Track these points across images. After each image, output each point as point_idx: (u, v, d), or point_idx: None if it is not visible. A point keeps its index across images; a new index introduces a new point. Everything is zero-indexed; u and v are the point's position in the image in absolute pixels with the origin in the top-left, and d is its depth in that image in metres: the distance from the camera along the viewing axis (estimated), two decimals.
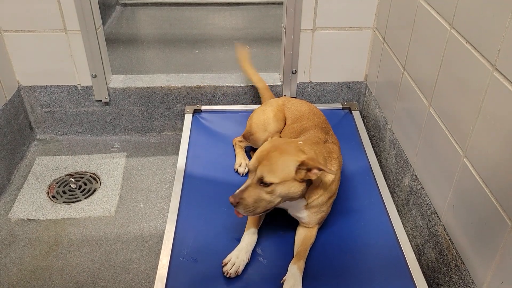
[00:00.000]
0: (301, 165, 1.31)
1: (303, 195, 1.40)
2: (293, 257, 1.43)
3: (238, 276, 1.40)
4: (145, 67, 2.82)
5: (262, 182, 1.30)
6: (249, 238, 1.47)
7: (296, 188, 1.33)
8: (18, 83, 2.22)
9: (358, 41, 2.16)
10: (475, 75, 1.26)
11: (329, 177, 1.45)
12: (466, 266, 1.32)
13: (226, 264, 1.41)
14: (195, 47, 3.04)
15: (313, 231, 1.50)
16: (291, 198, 1.36)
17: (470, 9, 1.29)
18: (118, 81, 2.28)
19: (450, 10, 1.39)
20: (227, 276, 1.39)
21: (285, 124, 1.81)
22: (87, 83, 2.22)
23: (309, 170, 1.32)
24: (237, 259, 1.41)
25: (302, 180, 1.33)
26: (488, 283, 1.21)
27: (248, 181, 1.33)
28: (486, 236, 1.22)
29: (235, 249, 1.44)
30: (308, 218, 1.48)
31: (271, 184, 1.29)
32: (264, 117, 1.82)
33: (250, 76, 2.18)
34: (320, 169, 1.31)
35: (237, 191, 1.32)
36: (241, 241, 1.47)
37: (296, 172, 1.31)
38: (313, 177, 1.34)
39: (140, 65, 2.84)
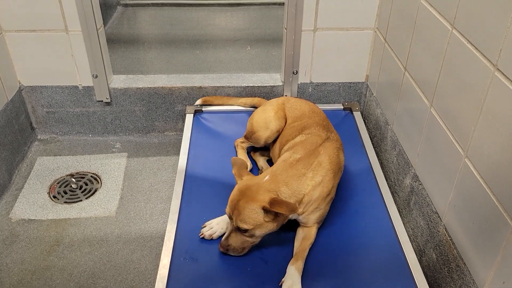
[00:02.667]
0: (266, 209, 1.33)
1: (284, 222, 1.42)
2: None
3: (238, 276, 1.40)
4: (146, 67, 2.82)
5: (240, 229, 1.37)
6: None
7: (272, 225, 1.38)
8: (19, 83, 2.22)
9: (359, 42, 2.16)
10: (477, 75, 1.26)
11: (312, 182, 1.44)
12: (467, 266, 1.32)
13: (205, 226, 1.50)
14: (196, 48, 3.04)
15: (312, 231, 1.50)
16: (273, 231, 1.41)
17: (472, 9, 1.29)
18: (119, 81, 2.28)
19: (452, 10, 1.39)
20: (200, 237, 1.49)
21: (285, 123, 1.81)
22: (88, 83, 2.22)
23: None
24: (216, 225, 1.51)
25: (274, 219, 1.35)
26: (490, 284, 1.20)
27: (230, 227, 1.41)
28: (487, 236, 1.22)
29: (218, 218, 1.52)
30: (305, 218, 1.49)
31: (247, 230, 1.36)
32: (265, 116, 1.82)
33: (237, 101, 2.19)
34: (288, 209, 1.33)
35: (223, 239, 1.43)
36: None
37: (265, 216, 1.34)
38: (284, 215, 1.37)
39: (141, 65, 2.84)
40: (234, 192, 1.39)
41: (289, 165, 1.45)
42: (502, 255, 1.15)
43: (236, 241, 1.40)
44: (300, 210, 1.44)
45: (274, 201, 1.32)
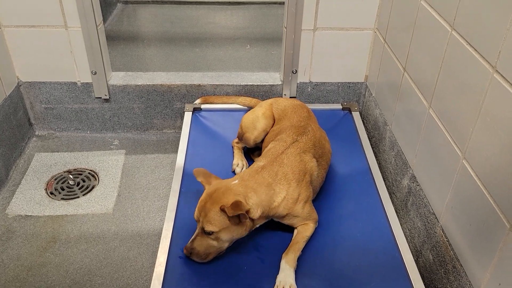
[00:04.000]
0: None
1: (252, 228, 1.41)
2: None
3: (235, 275, 1.40)
4: (145, 64, 2.82)
5: (205, 232, 1.35)
6: None
7: (239, 230, 1.37)
8: (18, 78, 2.22)
9: (358, 42, 2.16)
10: (476, 76, 1.26)
11: (278, 199, 1.43)
12: (463, 268, 1.32)
13: None
14: (196, 46, 3.04)
15: (307, 226, 1.50)
16: (241, 237, 1.40)
17: (471, 11, 1.29)
18: (118, 78, 2.28)
19: (451, 11, 1.39)
20: None
21: (273, 123, 1.81)
22: (87, 79, 2.22)
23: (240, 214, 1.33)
24: None
25: (239, 222, 1.35)
26: (486, 285, 1.21)
27: (197, 231, 1.39)
28: (484, 238, 1.22)
29: None
30: (288, 222, 1.50)
31: (213, 232, 1.35)
32: (252, 116, 1.84)
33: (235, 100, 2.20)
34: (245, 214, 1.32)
35: (188, 242, 1.40)
36: None
37: (230, 218, 1.33)
38: (246, 219, 1.35)
39: (140, 62, 2.84)
40: (203, 195, 1.40)
41: (255, 172, 1.45)
42: (499, 256, 1.15)
43: (201, 244, 1.38)
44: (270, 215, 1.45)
45: (234, 204, 1.30)
